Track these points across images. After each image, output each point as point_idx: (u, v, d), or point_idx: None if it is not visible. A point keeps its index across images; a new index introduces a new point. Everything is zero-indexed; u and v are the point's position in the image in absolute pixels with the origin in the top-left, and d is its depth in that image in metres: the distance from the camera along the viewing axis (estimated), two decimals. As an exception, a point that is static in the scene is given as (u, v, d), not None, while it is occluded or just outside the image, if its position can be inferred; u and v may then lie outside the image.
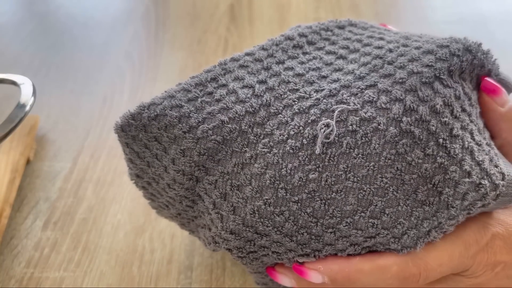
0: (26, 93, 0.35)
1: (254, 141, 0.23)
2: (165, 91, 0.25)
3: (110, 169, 0.42)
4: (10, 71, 0.39)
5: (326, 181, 0.22)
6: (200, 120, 0.23)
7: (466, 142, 0.23)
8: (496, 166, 0.24)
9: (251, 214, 0.22)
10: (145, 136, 0.25)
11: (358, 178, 0.22)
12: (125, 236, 0.36)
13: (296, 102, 0.24)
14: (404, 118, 0.22)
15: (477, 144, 0.23)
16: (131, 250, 0.35)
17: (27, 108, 0.34)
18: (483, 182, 0.22)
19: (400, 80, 0.23)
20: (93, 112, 0.48)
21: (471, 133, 0.23)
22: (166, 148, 0.24)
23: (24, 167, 0.41)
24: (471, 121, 0.24)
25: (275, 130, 0.23)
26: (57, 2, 0.70)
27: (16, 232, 0.37)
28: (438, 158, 0.22)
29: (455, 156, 0.22)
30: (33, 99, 0.35)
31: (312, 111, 0.23)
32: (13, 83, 0.37)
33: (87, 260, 0.35)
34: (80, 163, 0.43)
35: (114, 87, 0.52)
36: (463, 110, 0.24)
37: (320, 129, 0.22)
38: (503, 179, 0.23)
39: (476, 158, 0.23)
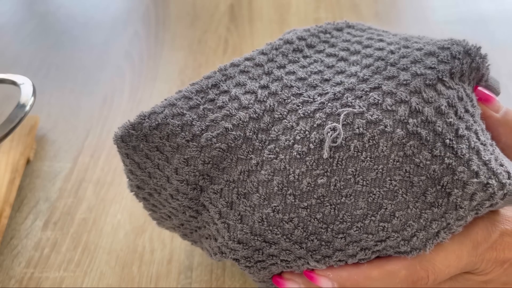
0: (26, 93, 0.35)
1: (260, 147, 0.23)
2: (165, 99, 0.25)
3: (110, 169, 0.42)
4: (10, 71, 0.39)
5: (335, 185, 0.22)
6: (203, 128, 0.23)
7: (472, 142, 0.23)
8: (502, 165, 0.24)
9: (259, 222, 0.22)
10: (146, 146, 0.24)
11: (367, 182, 0.22)
12: (125, 236, 0.36)
13: (300, 107, 0.23)
14: (410, 120, 0.22)
15: (482, 144, 0.23)
16: (131, 250, 0.35)
17: (27, 108, 0.34)
18: (490, 182, 0.22)
19: (404, 82, 0.23)
20: (93, 112, 0.48)
21: (476, 133, 0.23)
22: (168, 158, 0.24)
23: (24, 167, 0.41)
24: (475, 122, 0.24)
25: (281, 135, 0.23)
26: (57, 2, 0.70)
27: (16, 232, 0.37)
28: (446, 159, 0.22)
29: (462, 157, 0.22)
30: (33, 99, 0.35)
31: (317, 115, 0.23)
32: (13, 83, 0.37)
33: (87, 260, 0.35)
34: (80, 163, 0.43)
35: (114, 87, 0.52)
36: (466, 111, 0.24)
37: (327, 133, 0.22)
38: (509, 178, 0.23)
39: (483, 158, 0.23)
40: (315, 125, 0.22)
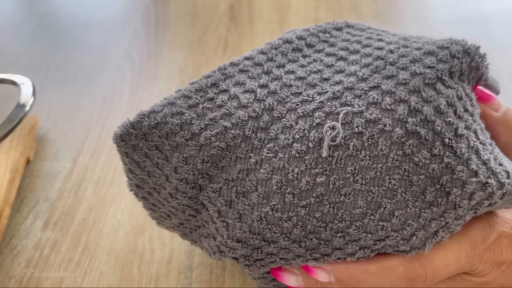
0: (26, 93, 0.35)
1: (259, 146, 0.23)
2: (165, 98, 0.25)
3: (110, 169, 0.42)
4: (10, 71, 0.39)
5: (334, 184, 0.22)
6: (202, 126, 0.23)
7: (471, 142, 0.23)
8: (501, 165, 0.24)
9: (258, 221, 0.22)
10: (145, 145, 0.24)
11: (367, 180, 0.21)
12: (125, 236, 0.36)
13: (299, 106, 0.23)
14: (410, 119, 0.22)
15: (481, 143, 0.23)
16: (131, 250, 0.35)
17: (27, 108, 0.34)
18: (489, 181, 0.22)
19: (404, 81, 0.23)
20: (93, 112, 0.48)
21: (475, 133, 0.23)
22: (167, 157, 0.24)
23: (24, 167, 0.41)
24: (474, 121, 0.24)
25: (280, 134, 0.23)
26: (57, 2, 0.70)
27: (16, 232, 0.37)
28: (445, 158, 0.22)
29: (461, 156, 0.22)
30: (33, 99, 0.35)
31: (316, 114, 0.23)
32: (13, 83, 0.37)
33: (87, 260, 0.35)
34: (80, 163, 0.43)
35: (114, 87, 0.52)
36: (466, 110, 0.24)
37: (326, 132, 0.22)
38: (508, 177, 0.23)
39: (482, 157, 0.23)
40: (314, 124, 0.22)
